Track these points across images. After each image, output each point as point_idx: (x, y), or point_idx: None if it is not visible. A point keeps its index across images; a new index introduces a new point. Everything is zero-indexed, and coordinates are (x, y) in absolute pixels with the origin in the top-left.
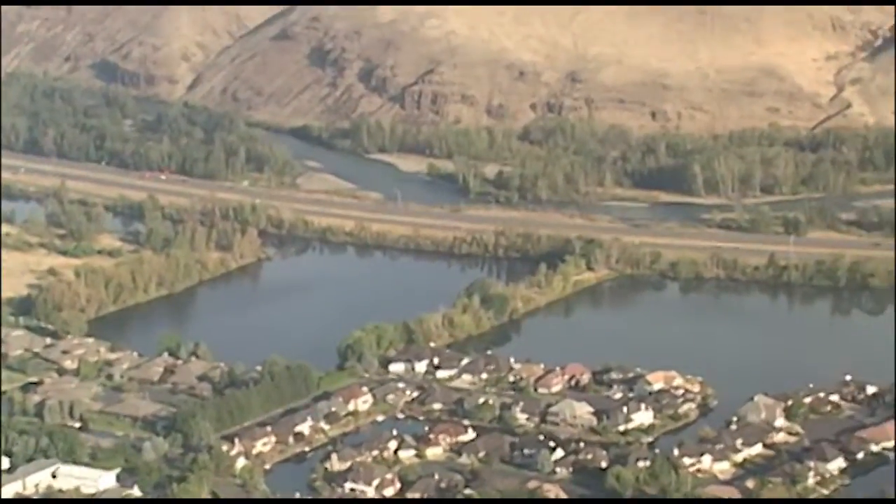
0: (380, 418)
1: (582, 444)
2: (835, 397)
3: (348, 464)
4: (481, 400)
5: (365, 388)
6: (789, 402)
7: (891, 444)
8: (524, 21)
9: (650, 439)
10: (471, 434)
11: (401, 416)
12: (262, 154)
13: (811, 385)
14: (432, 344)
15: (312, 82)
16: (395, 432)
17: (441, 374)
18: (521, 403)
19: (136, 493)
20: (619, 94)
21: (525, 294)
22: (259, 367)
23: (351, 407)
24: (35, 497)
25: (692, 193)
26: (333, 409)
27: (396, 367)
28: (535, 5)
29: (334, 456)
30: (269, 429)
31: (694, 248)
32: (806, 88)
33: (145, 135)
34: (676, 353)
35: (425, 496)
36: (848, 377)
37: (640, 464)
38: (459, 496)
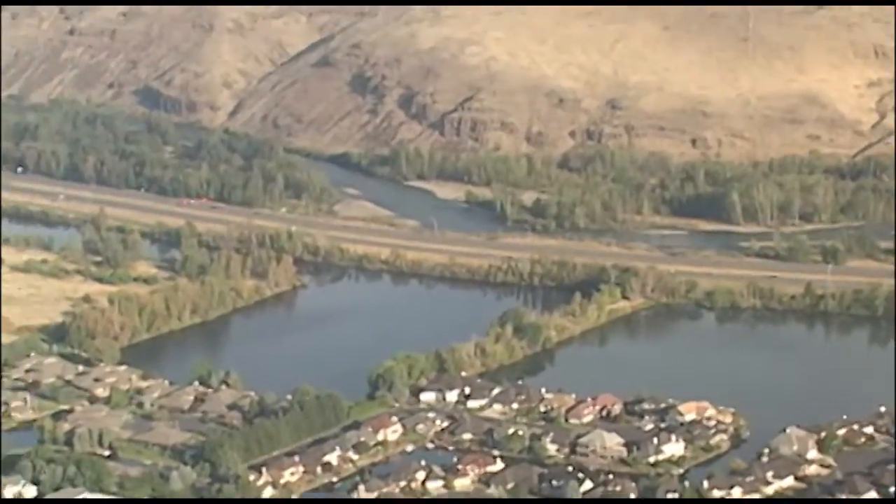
0: (409, 448)
1: (611, 476)
2: (869, 429)
3: (375, 494)
4: (511, 430)
5: (394, 418)
6: (822, 434)
7: None
8: (564, 48)
9: (681, 471)
10: (499, 465)
11: (430, 446)
12: (300, 181)
13: (845, 417)
14: (464, 373)
15: (353, 109)
16: (423, 463)
17: (472, 403)
18: (552, 434)
19: None
20: (659, 122)
21: (559, 323)
22: (289, 397)
23: (380, 437)
24: None
25: (731, 222)
26: (362, 438)
27: (427, 397)
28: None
29: (361, 487)
30: (296, 458)
31: (730, 276)
32: (847, 115)
33: (185, 161)
34: (710, 384)
35: None
36: (882, 409)
37: (670, 496)
38: None
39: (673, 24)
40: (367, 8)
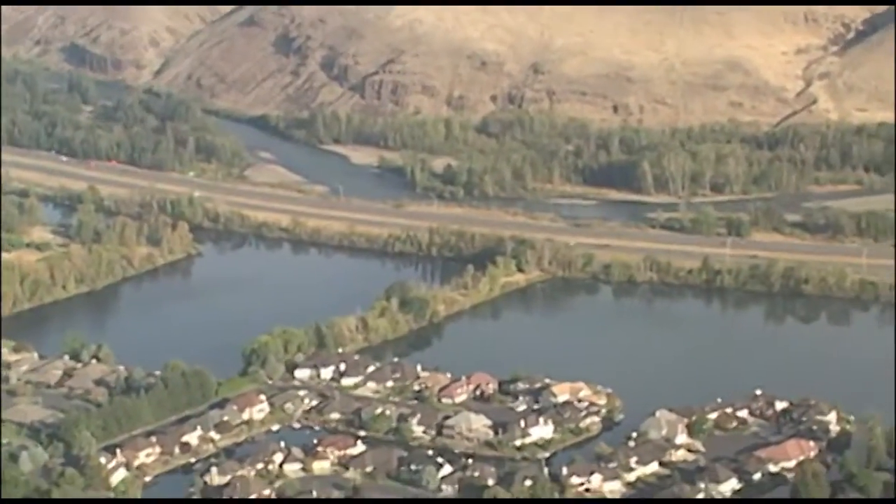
0: (275, 428)
1: (470, 461)
2: (743, 413)
3: (228, 477)
4: (378, 410)
5: (262, 396)
6: (693, 418)
7: (790, 464)
8: (491, 10)
9: (547, 455)
10: (360, 447)
11: (297, 425)
12: (212, 144)
13: (719, 399)
14: (346, 349)
15: (276, 70)
16: (282, 444)
17: (346, 381)
18: (419, 415)
19: None
20: (581, 87)
21: (449, 296)
22: (158, 372)
23: (245, 416)
24: None
25: (642, 191)
26: (226, 417)
27: (302, 374)
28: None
29: (214, 469)
30: (153, 438)
31: (630, 249)
32: (772, 82)
33: (101, 122)
34: (593, 362)
35: None
36: (758, 391)
37: (528, 482)
38: None
39: None
40: None
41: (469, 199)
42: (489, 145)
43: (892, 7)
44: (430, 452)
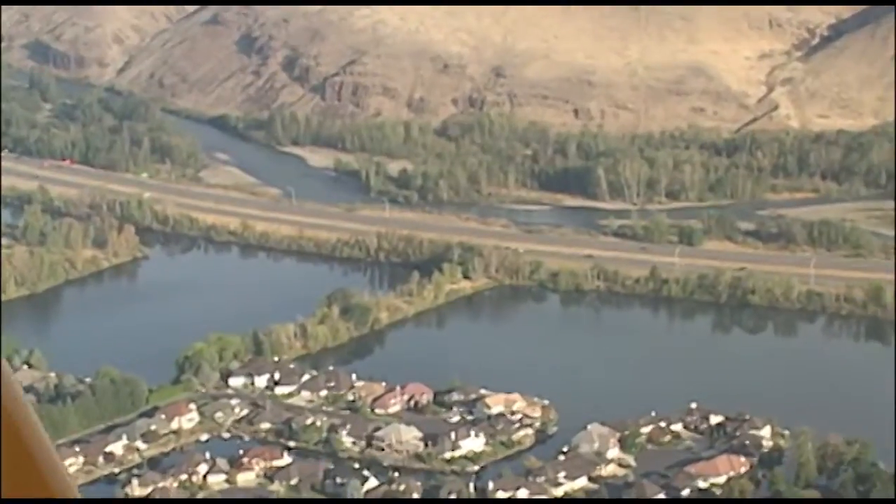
0: (204, 437)
1: (397, 474)
2: (678, 426)
3: (150, 489)
4: (309, 421)
5: (192, 405)
6: (626, 432)
7: (720, 480)
8: (456, 12)
9: (476, 468)
10: (286, 459)
11: (226, 435)
12: (168, 145)
13: (653, 413)
14: (283, 356)
15: (238, 70)
16: (207, 455)
17: (280, 390)
18: (349, 426)
19: None
20: (543, 91)
21: (392, 303)
22: (89, 379)
23: (174, 425)
24: None
25: (597, 198)
26: (153, 426)
27: (236, 382)
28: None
29: (135, 481)
30: (77, 448)
31: (580, 257)
32: (734, 88)
33: (59, 121)
34: (534, 372)
35: None
36: (693, 405)
37: (452, 496)
38: None
39: None
40: None
41: (423, 203)
42: (448, 149)
43: (858, 12)
44: (357, 465)
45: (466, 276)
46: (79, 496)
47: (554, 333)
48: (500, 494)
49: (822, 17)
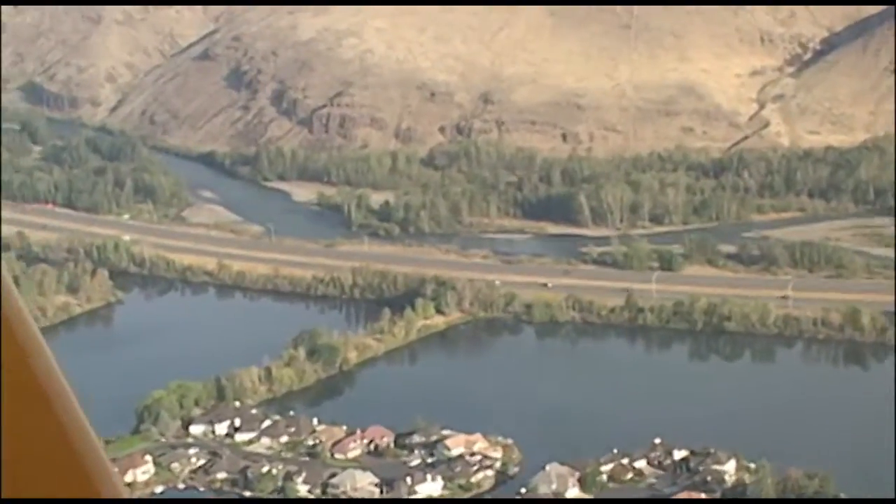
0: (159, 490)
1: None
2: (641, 463)
3: None
4: (265, 469)
5: (147, 457)
6: (586, 470)
7: None
8: (444, 38)
9: None
10: None
11: (182, 486)
12: (151, 184)
13: (615, 450)
14: (247, 401)
15: (227, 105)
16: None
17: (240, 436)
18: (305, 473)
19: None
20: (531, 116)
21: (362, 342)
22: None
23: (128, 478)
24: None
25: (580, 224)
26: None
27: (196, 430)
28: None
29: None
30: None
31: (559, 286)
32: (725, 106)
33: (47, 163)
34: (501, 410)
35: None
36: (658, 440)
37: None
38: None
39: (559, 9)
40: None
41: (404, 236)
42: (433, 179)
43: (851, 24)
44: None
45: (440, 311)
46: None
47: (524, 368)
48: None
49: (815, 30)
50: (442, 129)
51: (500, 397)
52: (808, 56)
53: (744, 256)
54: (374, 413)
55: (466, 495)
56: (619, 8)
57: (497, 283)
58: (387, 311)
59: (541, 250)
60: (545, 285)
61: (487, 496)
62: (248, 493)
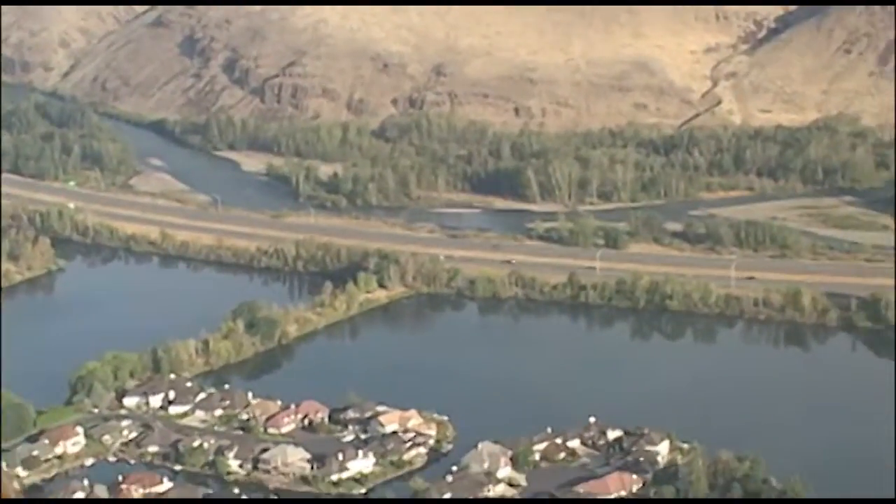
0: (89, 462)
1: (274, 497)
2: (575, 442)
3: None
4: (196, 443)
5: (79, 428)
6: (518, 449)
7: (611, 498)
8: (399, 9)
9: (364, 490)
10: (167, 484)
11: (113, 459)
12: (98, 151)
13: (549, 429)
14: (183, 374)
15: (179, 73)
16: (86, 482)
17: (174, 409)
18: (237, 448)
19: None
20: (483, 89)
21: (302, 316)
22: None
23: (59, 450)
24: None
25: (528, 199)
26: (35, 452)
27: (130, 402)
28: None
29: None
30: None
31: (500, 262)
32: (678, 83)
33: None
34: (439, 386)
35: None
36: (592, 419)
37: None
38: None
39: None
40: None
41: (352, 208)
42: (383, 151)
43: (805, 5)
44: (238, 490)
45: (382, 285)
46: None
47: (466, 344)
48: None
49: (771, 8)
50: (394, 101)
51: (438, 373)
52: (762, 34)
53: (690, 235)
54: (311, 388)
55: (398, 473)
56: None
57: (441, 257)
58: (329, 285)
59: (488, 225)
60: (509, 262)
61: (419, 474)
62: (178, 467)
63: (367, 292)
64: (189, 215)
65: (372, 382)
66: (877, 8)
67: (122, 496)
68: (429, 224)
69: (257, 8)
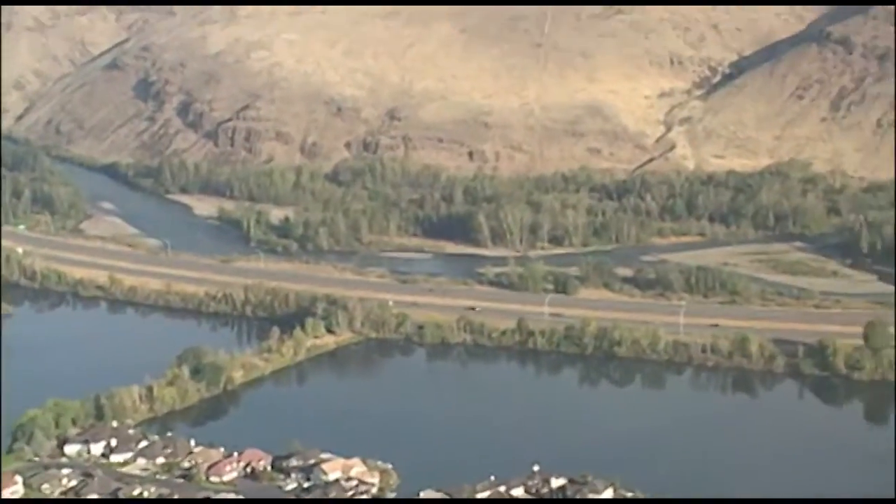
0: None
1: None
2: (518, 490)
3: None
4: (137, 492)
5: (17, 477)
6: (462, 497)
7: None
8: (355, 53)
9: None
10: None
11: None
12: (49, 195)
13: (493, 477)
14: (126, 421)
15: (133, 116)
16: None
17: (115, 457)
18: (177, 496)
19: None
20: (438, 133)
21: (248, 361)
22: None
23: None
24: None
25: (479, 244)
26: None
27: (71, 450)
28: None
29: None
30: None
31: (453, 308)
32: (631, 128)
33: None
34: (384, 433)
35: None
36: (536, 467)
37: None
38: None
39: (471, 26)
40: (176, 7)
41: (302, 252)
42: (336, 195)
43: (760, 49)
44: None
45: (330, 331)
46: None
47: (413, 391)
48: None
49: (725, 53)
50: (348, 145)
51: (384, 420)
52: (716, 79)
53: (640, 280)
54: (255, 435)
55: None
56: (530, 26)
57: (390, 302)
58: (276, 330)
59: (439, 270)
60: (472, 309)
61: None
62: None
63: (315, 338)
64: (139, 260)
65: (317, 429)
66: (829, 54)
67: None
68: (379, 269)
69: (213, 51)
